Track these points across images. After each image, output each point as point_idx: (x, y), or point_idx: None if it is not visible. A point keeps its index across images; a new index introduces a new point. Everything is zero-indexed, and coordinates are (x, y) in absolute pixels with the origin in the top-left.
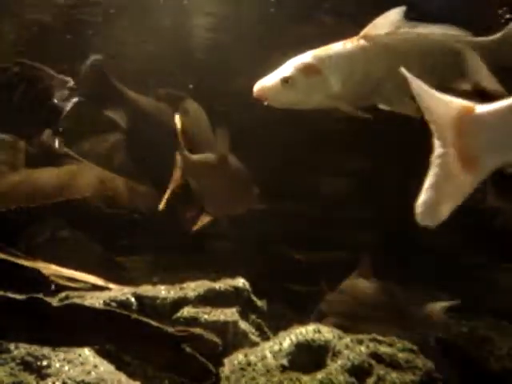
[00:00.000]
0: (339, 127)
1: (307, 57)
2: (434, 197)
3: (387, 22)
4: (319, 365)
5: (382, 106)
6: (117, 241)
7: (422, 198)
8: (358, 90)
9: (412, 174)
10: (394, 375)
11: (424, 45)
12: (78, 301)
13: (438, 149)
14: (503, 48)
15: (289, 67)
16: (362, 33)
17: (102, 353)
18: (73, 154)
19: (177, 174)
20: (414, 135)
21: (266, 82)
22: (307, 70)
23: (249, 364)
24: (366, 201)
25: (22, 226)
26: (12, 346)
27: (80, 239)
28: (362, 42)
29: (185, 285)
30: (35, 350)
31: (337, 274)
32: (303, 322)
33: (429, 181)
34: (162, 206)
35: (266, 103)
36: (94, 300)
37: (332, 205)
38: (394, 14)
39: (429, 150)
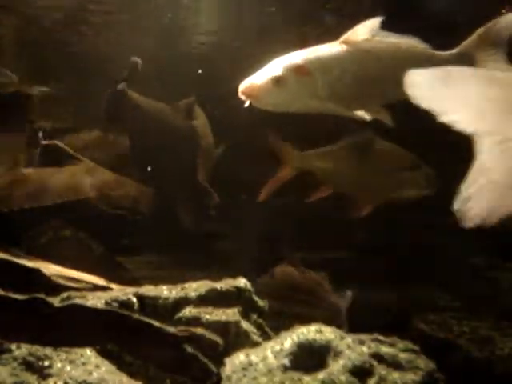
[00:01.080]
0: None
1: (295, 58)
2: None
3: (366, 30)
4: (321, 365)
5: (360, 113)
6: (118, 241)
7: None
8: (345, 93)
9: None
10: (395, 375)
11: (399, 55)
12: (79, 301)
13: None
14: (459, 64)
15: (278, 67)
16: (343, 38)
17: (104, 353)
18: (75, 153)
19: (286, 169)
20: None
21: (256, 81)
22: (298, 70)
23: (250, 364)
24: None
25: (24, 227)
26: (13, 346)
27: (82, 239)
28: (345, 46)
29: (186, 285)
30: (37, 350)
31: (337, 274)
32: (305, 322)
33: None
34: (262, 197)
35: (247, 104)
36: (96, 300)
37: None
38: (372, 23)
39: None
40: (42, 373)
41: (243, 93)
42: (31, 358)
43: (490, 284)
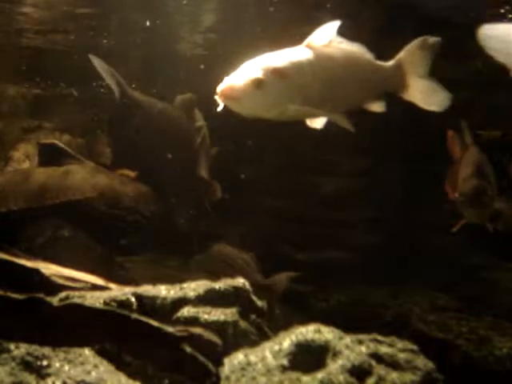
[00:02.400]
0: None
1: (271, 61)
2: None
3: (325, 34)
4: (319, 365)
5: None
6: (117, 241)
7: None
8: (316, 98)
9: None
10: (394, 375)
11: (352, 64)
12: (78, 301)
13: None
14: (394, 74)
15: (255, 70)
16: (306, 42)
17: (103, 353)
18: (75, 154)
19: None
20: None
21: (235, 83)
22: (277, 73)
23: (249, 364)
24: (368, 201)
25: (22, 226)
26: (12, 346)
27: (80, 239)
28: (311, 50)
29: (185, 285)
30: (35, 349)
31: (336, 274)
32: (303, 321)
33: None
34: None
35: (220, 108)
36: (95, 300)
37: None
38: (330, 28)
39: None
40: (40, 372)
41: (222, 95)
42: (30, 358)
43: (489, 284)
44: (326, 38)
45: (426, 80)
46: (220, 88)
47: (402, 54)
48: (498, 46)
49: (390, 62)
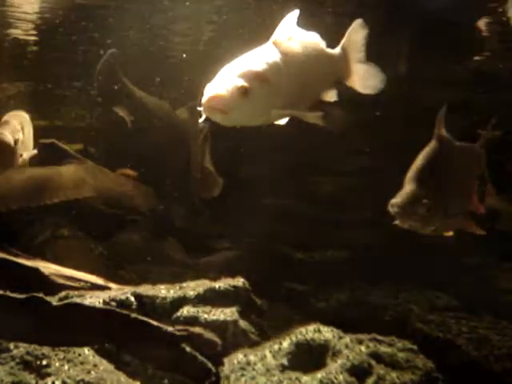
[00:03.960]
0: None
1: (250, 65)
2: None
3: (287, 29)
4: (319, 364)
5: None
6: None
7: None
8: (291, 98)
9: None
10: (393, 375)
11: (311, 55)
12: (77, 300)
13: None
14: (340, 60)
15: (237, 77)
16: (272, 39)
17: (102, 352)
18: (74, 153)
19: None
20: None
21: (221, 93)
22: (260, 79)
23: (248, 363)
24: (367, 201)
25: (22, 226)
26: (12, 345)
27: (80, 238)
28: (277, 49)
29: (184, 284)
30: (35, 349)
31: (336, 274)
32: (303, 321)
33: None
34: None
35: (203, 120)
36: (94, 299)
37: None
38: (291, 20)
39: None
40: (39, 372)
41: (209, 108)
42: (29, 357)
43: (488, 284)
44: (289, 33)
45: (364, 64)
46: (205, 100)
47: (344, 40)
48: None
49: (337, 49)
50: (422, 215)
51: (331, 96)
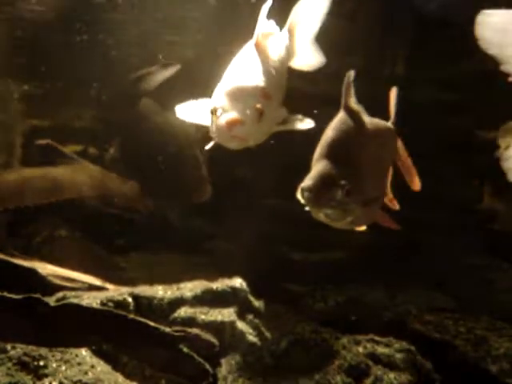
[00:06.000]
0: None
1: (255, 81)
2: None
3: (265, 25)
4: (316, 365)
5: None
6: (114, 240)
7: None
8: (278, 104)
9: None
10: (391, 376)
11: (275, 44)
12: (75, 301)
13: None
14: (289, 42)
15: (250, 98)
16: (254, 41)
17: (99, 353)
18: (70, 153)
19: None
20: None
21: (241, 118)
22: (266, 96)
23: (246, 364)
24: None
25: (19, 226)
26: (9, 346)
27: (77, 239)
28: (259, 53)
29: (182, 285)
30: (32, 350)
31: (334, 275)
32: (301, 322)
33: None
34: None
35: (211, 144)
36: (91, 300)
37: None
38: (263, 13)
39: None
40: (36, 373)
41: (231, 137)
42: (26, 358)
43: (487, 284)
44: (268, 30)
45: (308, 44)
46: (224, 128)
47: (289, 19)
48: (493, 34)
49: (283, 30)
50: (340, 201)
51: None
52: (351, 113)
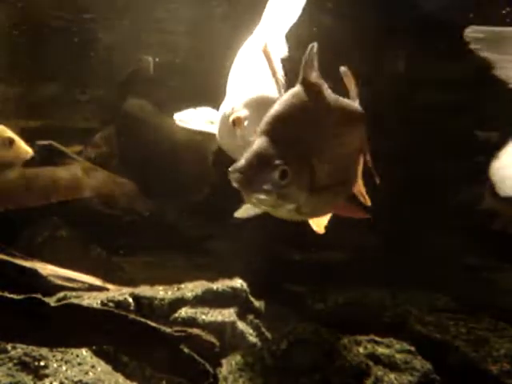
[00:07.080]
0: None
1: (273, 91)
2: None
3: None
4: (317, 365)
5: None
6: (115, 241)
7: None
8: None
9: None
10: (391, 376)
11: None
12: (75, 301)
13: None
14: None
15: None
16: (263, 47)
17: (100, 353)
18: (71, 154)
19: None
20: None
21: None
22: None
23: (246, 365)
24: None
25: (20, 226)
26: (9, 347)
27: (78, 239)
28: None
29: (182, 285)
30: (32, 350)
31: (334, 275)
32: (301, 322)
33: None
34: None
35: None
36: (92, 300)
37: None
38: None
39: None
40: (37, 373)
41: None
42: (27, 358)
43: (487, 285)
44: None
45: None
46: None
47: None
48: (485, 46)
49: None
50: (275, 184)
51: None
52: (309, 87)
